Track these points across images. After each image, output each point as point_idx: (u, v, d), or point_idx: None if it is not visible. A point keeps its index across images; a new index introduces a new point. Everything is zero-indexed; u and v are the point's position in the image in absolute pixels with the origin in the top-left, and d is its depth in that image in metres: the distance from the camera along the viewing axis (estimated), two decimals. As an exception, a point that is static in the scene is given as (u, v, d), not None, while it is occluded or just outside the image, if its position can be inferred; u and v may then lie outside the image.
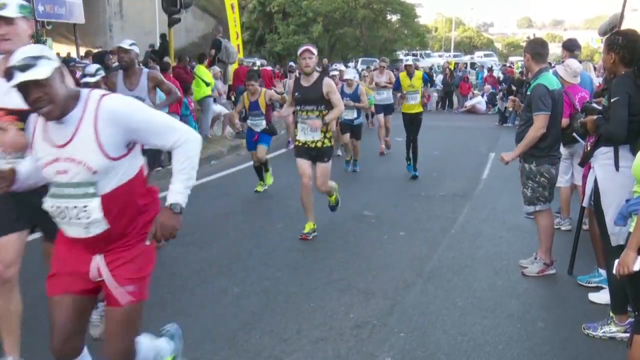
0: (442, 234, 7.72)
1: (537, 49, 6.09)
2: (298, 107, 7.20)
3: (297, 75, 8.92)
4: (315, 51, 7.07)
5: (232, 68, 18.73)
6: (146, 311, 5.10)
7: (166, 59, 15.28)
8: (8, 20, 3.62)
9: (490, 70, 30.26)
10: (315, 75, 7.12)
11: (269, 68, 22.60)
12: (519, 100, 6.78)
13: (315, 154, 7.20)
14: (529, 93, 6.01)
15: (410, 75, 11.68)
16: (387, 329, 4.92)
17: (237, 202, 9.39)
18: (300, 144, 7.26)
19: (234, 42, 18.24)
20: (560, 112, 6.11)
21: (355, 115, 12.06)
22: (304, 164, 7.24)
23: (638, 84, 4.58)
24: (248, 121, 9.76)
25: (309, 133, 7.13)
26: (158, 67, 11.88)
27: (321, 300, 5.50)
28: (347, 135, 11.99)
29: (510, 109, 8.28)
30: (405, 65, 12.25)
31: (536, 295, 5.73)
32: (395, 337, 4.78)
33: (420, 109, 11.70)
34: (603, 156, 4.88)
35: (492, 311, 5.30)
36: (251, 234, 7.40)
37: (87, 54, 17.01)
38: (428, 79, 13.80)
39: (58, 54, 27.69)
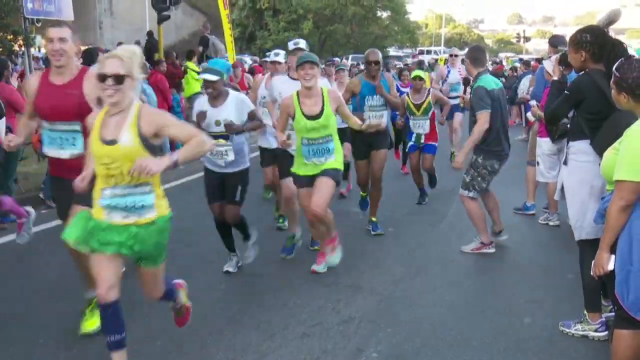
0: (431, 230, 7.72)
1: (475, 55, 6.59)
2: None
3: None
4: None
5: (222, 64, 18.65)
6: (133, 309, 5.11)
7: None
8: None
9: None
10: None
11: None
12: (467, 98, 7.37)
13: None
14: (471, 96, 6.45)
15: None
16: (374, 325, 4.92)
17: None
18: None
19: (228, 39, 18.11)
20: (501, 109, 6.43)
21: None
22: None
23: (598, 84, 4.47)
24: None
25: None
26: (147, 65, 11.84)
27: (308, 296, 5.50)
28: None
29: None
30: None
31: (523, 290, 5.74)
32: (382, 332, 4.79)
33: None
34: (569, 150, 4.83)
35: (479, 306, 5.30)
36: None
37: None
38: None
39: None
